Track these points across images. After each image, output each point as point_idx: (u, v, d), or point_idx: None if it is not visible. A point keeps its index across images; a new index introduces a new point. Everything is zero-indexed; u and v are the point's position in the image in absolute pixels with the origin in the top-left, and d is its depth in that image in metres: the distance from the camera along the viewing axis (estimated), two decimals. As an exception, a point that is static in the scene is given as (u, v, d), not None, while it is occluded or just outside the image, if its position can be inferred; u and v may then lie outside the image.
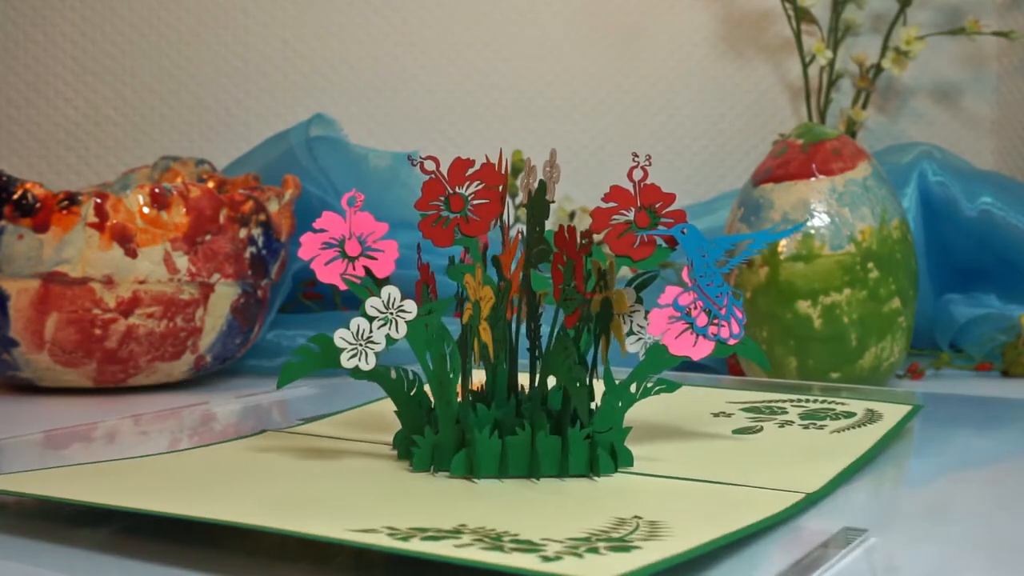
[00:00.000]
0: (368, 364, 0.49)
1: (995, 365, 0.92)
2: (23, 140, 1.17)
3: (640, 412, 0.53)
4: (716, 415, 0.62)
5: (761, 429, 0.58)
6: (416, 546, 0.36)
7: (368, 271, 0.51)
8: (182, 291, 0.79)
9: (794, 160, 0.81)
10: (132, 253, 0.77)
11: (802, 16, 1.13)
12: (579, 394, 0.49)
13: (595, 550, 0.36)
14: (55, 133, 1.17)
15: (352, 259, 0.51)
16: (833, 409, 0.61)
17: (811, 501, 0.46)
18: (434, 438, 0.50)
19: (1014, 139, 1.19)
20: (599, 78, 1.20)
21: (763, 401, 0.65)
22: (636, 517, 0.42)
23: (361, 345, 0.49)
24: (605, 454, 0.50)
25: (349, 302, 1.00)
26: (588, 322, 0.52)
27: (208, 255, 0.80)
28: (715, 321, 0.51)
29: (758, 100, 1.21)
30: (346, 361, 0.49)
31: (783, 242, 0.79)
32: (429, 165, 0.51)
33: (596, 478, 0.49)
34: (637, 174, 0.52)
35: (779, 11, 1.17)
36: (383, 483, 0.48)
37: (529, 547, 0.37)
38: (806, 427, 0.58)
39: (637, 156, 0.52)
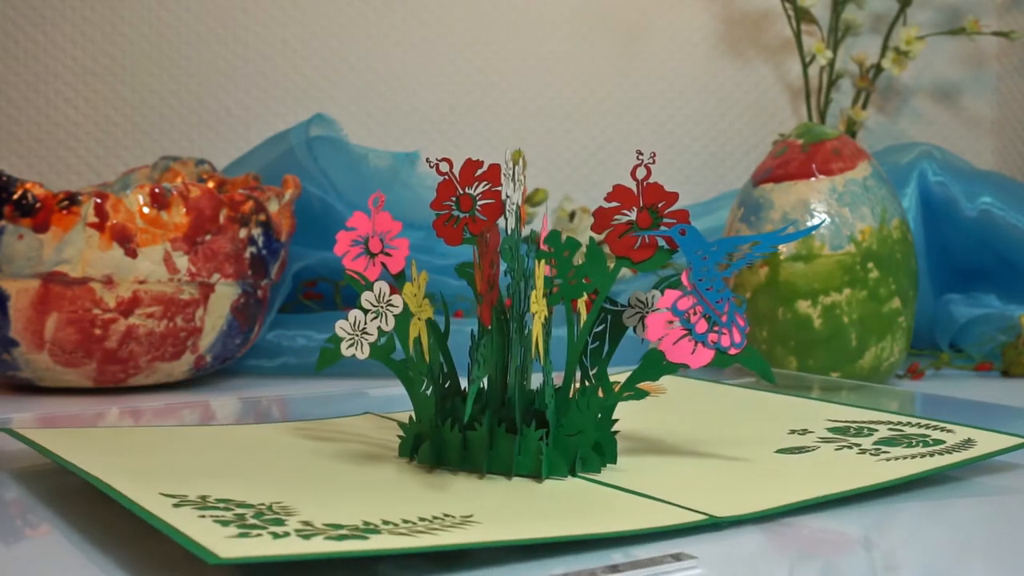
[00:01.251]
0: (363, 353, 0.52)
1: (995, 365, 0.92)
2: (23, 140, 1.17)
3: (706, 421, 0.56)
4: (793, 432, 0.57)
5: (811, 450, 0.53)
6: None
7: (384, 267, 0.53)
8: (182, 291, 0.79)
9: (794, 160, 0.81)
10: (132, 253, 0.77)
11: (802, 16, 1.13)
12: (524, 396, 0.50)
13: (376, 530, 0.39)
14: (55, 133, 1.17)
15: (373, 255, 0.53)
16: (926, 436, 0.55)
17: (709, 524, 0.43)
18: (417, 427, 0.52)
19: (1014, 139, 1.19)
20: (599, 78, 1.20)
21: (857, 421, 0.59)
22: (465, 517, 0.42)
23: (357, 335, 0.52)
24: (559, 457, 0.49)
25: (349, 301, 1.00)
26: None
27: (208, 255, 0.80)
28: (715, 328, 0.49)
29: (758, 100, 1.21)
30: (345, 350, 0.52)
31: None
32: (443, 167, 0.52)
33: (541, 481, 0.49)
34: (640, 172, 0.51)
35: (779, 11, 1.17)
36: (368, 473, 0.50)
37: (314, 531, 0.39)
38: (866, 451, 0.52)
39: (641, 154, 0.51)
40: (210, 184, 0.90)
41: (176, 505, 0.41)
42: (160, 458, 0.52)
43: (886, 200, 0.81)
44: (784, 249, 0.79)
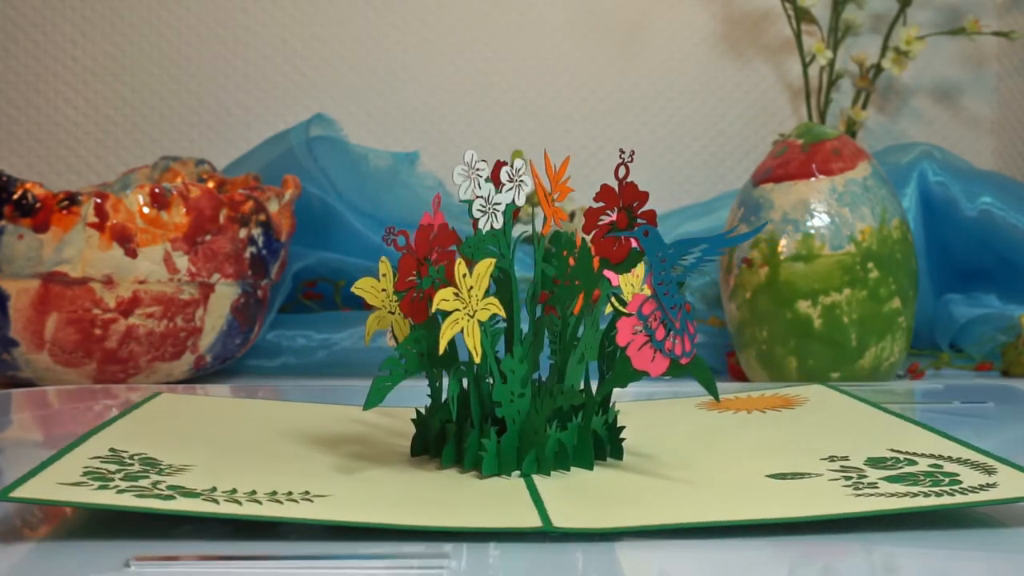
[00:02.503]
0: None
1: (995, 365, 0.92)
2: (23, 140, 1.17)
3: (758, 439, 0.56)
4: (826, 458, 0.52)
5: (805, 477, 0.49)
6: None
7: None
8: (182, 291, 0.79)
9: (794, 160, 0.81)
10: (132, 253, 0.77)
11: (802, 16, 1.13)
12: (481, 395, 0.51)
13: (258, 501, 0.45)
14: (55, 133, 1.17)
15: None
16: (956, 475, 0.48)
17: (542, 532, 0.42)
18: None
19: (1014, 139, 1.19)
20: (599, 78, 1.20)
21: (906, 452, 0.53)
22: (319, 495, 0.46)
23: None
24: (509, 455, 0.50)
25: (349, 301, 1.00)
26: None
27: (208, 255, 0.80)
28: (671, 335, 0.47)
29: (758, 100, 1.21)
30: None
31: (783, 242, 0.79)
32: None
33: (483, 477, 0.50)
34: (621, 171, 0.51)
35: (779, 11, 1.17)
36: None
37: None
38: (857, 484, 0.47)
39: (623, 152, 0.50)
40: (210, 184, 0.90)
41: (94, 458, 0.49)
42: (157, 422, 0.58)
43: (886, 200, 0.81)
44: (784, 249, 0.79)
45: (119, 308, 0.78)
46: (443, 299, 0.47)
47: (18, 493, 0.43)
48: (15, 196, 0.76)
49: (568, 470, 0.51)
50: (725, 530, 0.42)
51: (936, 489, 0.46)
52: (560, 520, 0.43)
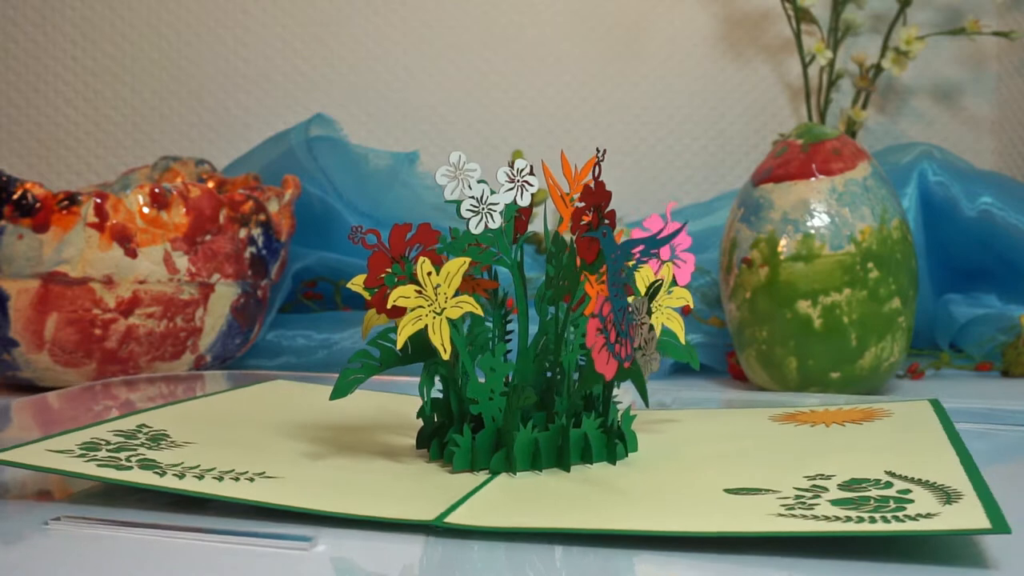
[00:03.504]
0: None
1: (995, 365, 0.92)
2: (23, 140, 1.17)
3: (769, 455, 0.53)
4: (809, 476, 0.49)
5: (760, 492, 0.46)
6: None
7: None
8: (182, 291, 0.79)
9: (794, 160, 0.81)
10: (132, 253, 0.77)
11: (802, 16, 1.13)
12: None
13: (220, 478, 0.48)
14: (55, 133, 1.17)
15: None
16: (908, 503, 0.44)
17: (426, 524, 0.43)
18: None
19: (1014, 139, 1.19)
20: (599, 78, 1.20)
21: (902, 476, 0.48)
22: (257, 474, 0.49)
23: (483, 208, 0.50)
24: (481, 452, 0.51)
25: (349, 301, 1.00)
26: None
27: (208, 255, 0.80)
28: (620, 338, 0.47)
29: (758, 100, 1.21)
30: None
31: (783, 242, 0.79)
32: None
33: (453, 472, 0.51)
34: (595, 170, 0.51)
35: (779, 11, 1.17)
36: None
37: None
38: (798, 507, 0.44)
39: (599, 151, 0.50)
40: (210, 184, 0.90)
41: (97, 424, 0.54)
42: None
43: (886, 200, 0.81)
44: (784, 249, 0.79)
45: (119, 308, 0.78)
46: (401, 296, 0.48)
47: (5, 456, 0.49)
48: (15, 196, 0.76)
49: (540, 471, 0.50)
50: (623, 539, 0.41)
51: (870, 515, 0.42)
52: (461, 517, 0.43)
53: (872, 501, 0.44)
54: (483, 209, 0.50)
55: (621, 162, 1.19)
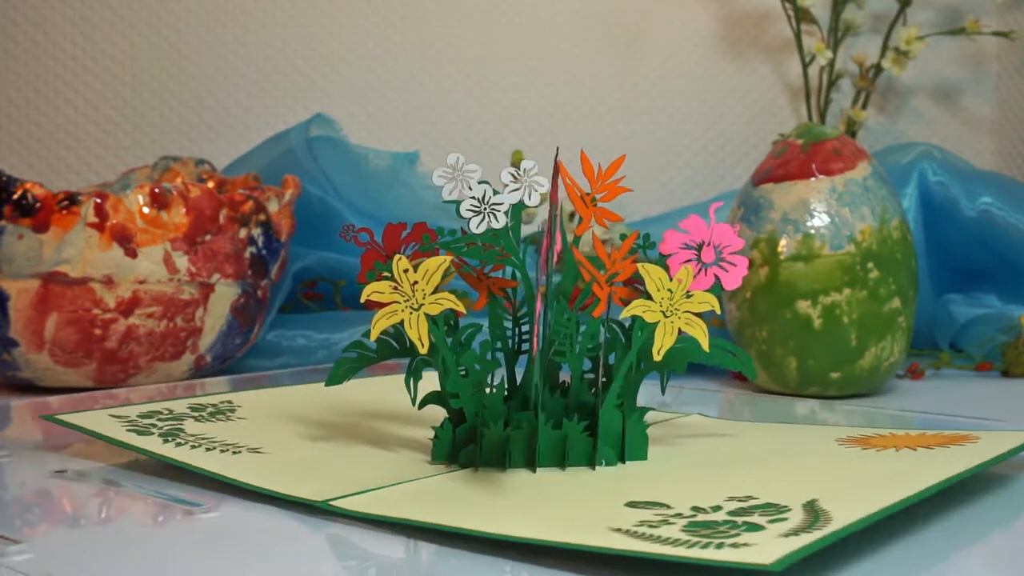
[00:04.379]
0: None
1: (995, 365, 0.92)
2: (23, 140, 1.17)
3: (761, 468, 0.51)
4: (733, 498, 0.46)
5: (652, 506, 0.44)
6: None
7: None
8: (182, 291, 0.79)
9: (794, 160, 0.81)
10: (132, 253, 0.77)
11: (802, 16, 1.13)
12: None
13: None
14: (55, 133, 1.17)
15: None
16: (745, 527, 0.41)
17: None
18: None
19: (1014, 139, 1.19)
20: (599, 78, 1.20)
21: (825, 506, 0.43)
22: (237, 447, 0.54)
23: (485, 209, 0.51)
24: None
25: (349, 301, 1.00)
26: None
27: (208, 255, 0.80)
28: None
29: (758, 100, 1.21)
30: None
31: (783, 242, 0.79)
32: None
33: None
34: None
35: (779, 11, 1.17)
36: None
37: None
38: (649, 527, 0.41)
39: (559, 150, 0.51)
40: (210, 184, 0.90)
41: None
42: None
43: (886, 200, 0.81)
44: (784, 249, 0.79)
45: (119, 308, 0.78)
46: (375, 291, 0.50)
47: (65, 417, 0.56)
48: (15, 196, 0.76)
49: (504, 469, 0.51)
50: (487, 543, 0.41)
51: (686, 538, 0.39)
52: (347, 502, 0.45)
53: (720, 525, 0.41)
54: (485, 209, 0.50)
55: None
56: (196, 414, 0.60)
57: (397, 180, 1.03)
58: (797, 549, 0.36)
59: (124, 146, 1.17)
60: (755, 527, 0.40)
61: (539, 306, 0.51)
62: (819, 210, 0.79)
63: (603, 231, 0.96)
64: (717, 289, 0.53)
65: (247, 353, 0.90)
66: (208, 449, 0.53)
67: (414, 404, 0.53)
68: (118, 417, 0.57)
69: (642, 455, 0.53)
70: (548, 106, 1.20)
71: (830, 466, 0.50)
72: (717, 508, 0.43)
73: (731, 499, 0.44)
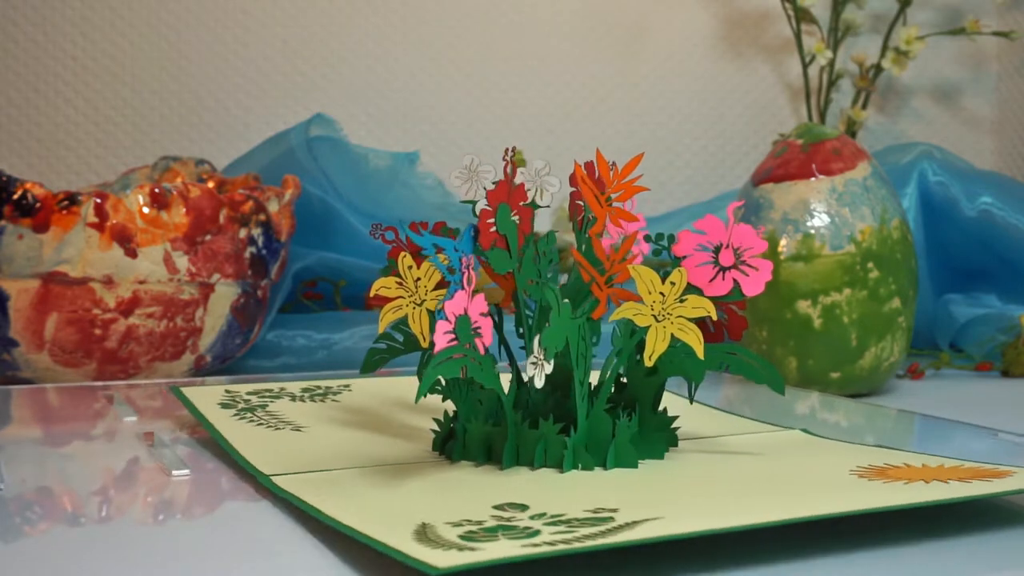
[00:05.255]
0: (541, 382, 0.48)
1: (995, 365, 0.92)
2: (23, 140, 1.17)
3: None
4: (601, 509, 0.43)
5: (556, 521, 0.41)
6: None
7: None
8: (182, 291, 0.79)
9: (794, 160, 0.81)
10: (132, 253, 0.77)
11: (802, 16, 1.13)
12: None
13: None
14: (55, 133, 1.17)
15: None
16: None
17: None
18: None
19: (1014, 139, 1.19)
20: (599, 78, 1.20)
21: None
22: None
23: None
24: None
25: (349, 301, 1.00)
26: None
27: (208, 255, 0.80)
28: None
29: (758, 100, 1.21)
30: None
31: (783, 242, 0.79)
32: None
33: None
34: (509, 169, 0.51)
35: (779, 11, 1.17)
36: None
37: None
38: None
39: (508, 151, 0.51)
40: (210, 184, 0.90)
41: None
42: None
43: (886, 200, 0.81)
44: (784, 249, 0.79)
45: (119, 308, 0.78)
46: (382, 286, 0.51)
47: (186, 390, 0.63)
48: (15, 196, 0.76)
49: (479, 463, 0.51)
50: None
51: (454, 539, 0.38)
52: (282, 480, 0.48)
53: (508, 531, 0.39)
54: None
55: (621, 162, 1.19)
56: (301, 395, 0.65)
57: (397, 180, 1.03)
58: (468, 563, 0.35)
59: (124, 146, 1.17)
60: (530, 533, 0.39)
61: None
62: (819, 210, 0.79)
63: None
64: (738, 294, 0.50)
65: (247, 353, 0.90)
66: (258, 424, 0.58)
67: (420, 396, 0.53)
68: (229, 392, 0.64)
69: (631, 463, 0.50)
70: (548, 106, 1.20)
71: (820, 500, 0.44)
72: (559, 518, 0.41)
73: (598, 510, 0.42)
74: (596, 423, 0.51)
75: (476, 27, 1.19)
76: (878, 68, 1.15)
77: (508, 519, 0.41)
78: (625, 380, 0.53)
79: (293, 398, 0.64)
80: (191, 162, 0.97)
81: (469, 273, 0.47)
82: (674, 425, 0.54)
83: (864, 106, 1.16)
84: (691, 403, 0.54)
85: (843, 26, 1.15)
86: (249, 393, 0.64)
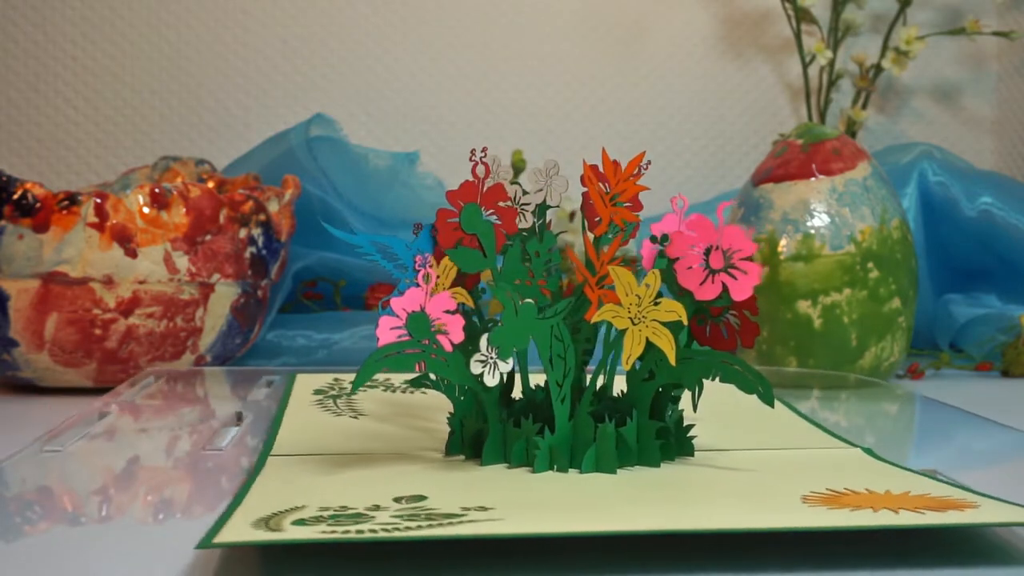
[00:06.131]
0: (494, 380, 0.48)
1: (995, 365, 0.92)
2: (23, 140, 1.17)
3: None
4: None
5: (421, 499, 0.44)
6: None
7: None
8: (182, 291, 0.79)
9: (794, 160, 0.81)
10: (132, 253, 0.77)
11: (802, 16, 1.13)
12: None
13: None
14: (55, 133, 1.17)
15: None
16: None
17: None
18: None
19: (1014, 139, 1.19)
20: (599, 78, 1.20)
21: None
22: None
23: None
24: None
25: (349, 301, 1.00)
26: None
27: (208, 255, 0.80)
28: None
29: (758, 100, 1.21)
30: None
31: (783, 242, 0.79)
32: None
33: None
34: (480, 170, 0.50)
35: (779, 11, 1.17)
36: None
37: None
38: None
39: (475, 152, 0.50)
40: (210, 184, 0.90)
41: None
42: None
43: (886, 200, 0.81)
44: (784, 249, 0.79)
45: (119, 308, 0.78)
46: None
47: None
48: (15, 196, 0.76)
49: (467, 458, 0.52)
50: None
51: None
52: (275, 464, 0.49)
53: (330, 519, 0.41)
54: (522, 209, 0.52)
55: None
56: (401, 386, 0.67)
57: (397, 180, 1.03)
58: (232, 541, 0.38)
59: (124, 146, 1.17)
60: (363, 520, 0.40)
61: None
62: (819, 210, 0.79)
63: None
64: (726, 299, 0.49)
65: (247, 353, 0.90)
66: (326, 410, 0.62)
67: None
68: (337, 379, 0.68)
69: (609, 468, 0.49)
70: (548, 106, 1.20)
71: (723, 517, 0.42)
72: (420, 509, 0.42)
73: (470, 508, 0.42)
74: (580, 427, 0.50)
75: (476, 27, 1.19)
76: (878, 68, 1.15)
77: (373, 507, 0.42)
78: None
79: (386, 389, 0.67)
80: (191, 162, 0.97)
81: (427, 271, 0.47)
82: (691, 434, 0.52)
83: (864, 106, 1.16)
84: (695, 411, 0.52)
85: (843, 26, 1.15)
86: (350, 381, 0.65)
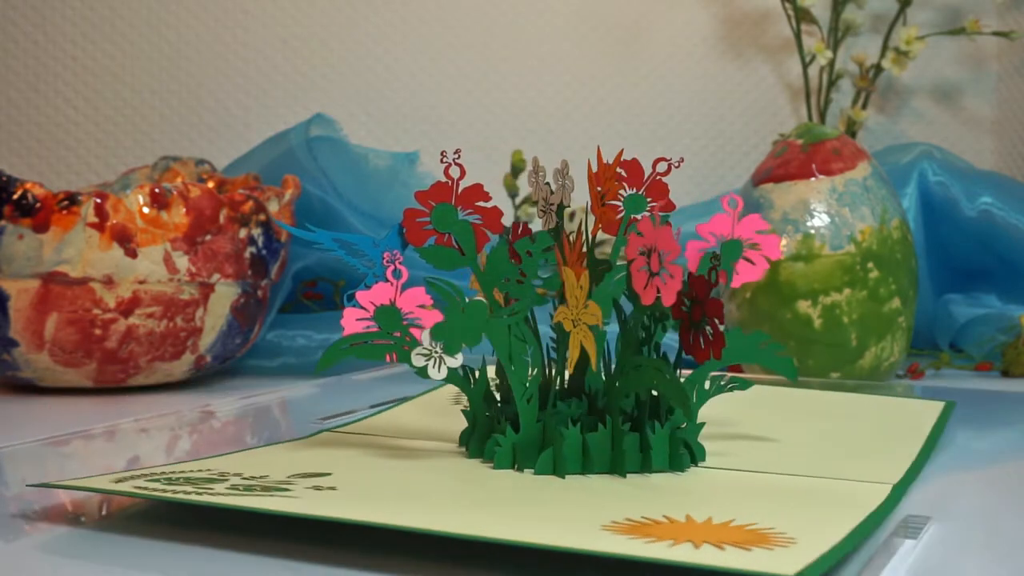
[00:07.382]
0: (440, 374, 0.49)
1: (995, 365, 0.92)
2: (23, 140, 1.17)
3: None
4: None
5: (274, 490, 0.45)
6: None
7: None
8: (182, 291, 0.79)
9: (794, 160, 0.81)
10: (132, 253, 0.77)
11: (802, 16, 1.13)
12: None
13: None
14: (55, 133, 1.17)
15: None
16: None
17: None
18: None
19: (1014, 139, 1.19)
20: (599, 78, 1.20)
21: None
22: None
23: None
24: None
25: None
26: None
27: (208, 255, 0.80)
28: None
29: (758, 100, 1.21)
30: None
31: (783, 242, 0.79)
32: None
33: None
34: (454, 171, 0.50)
35: (779, 11, 1.17)
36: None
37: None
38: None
39: (445, 154, 0.50)
40: (210, 184, 0.90)
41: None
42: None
43: (886, 200, 0.81)
44: (784, 249, 0.79)
45: (119, 308, 0.78)
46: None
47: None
48: (15, 196, 0.76)
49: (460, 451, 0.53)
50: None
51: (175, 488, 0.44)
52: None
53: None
54: (549, 209, 0.52)
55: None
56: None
57: (397, 180, 1.03)
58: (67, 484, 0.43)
59: (124, 146, 1.17)
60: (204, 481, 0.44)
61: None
62: (819, 210, 0.79)
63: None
64: (659, 306, 0.48)
65: (247, 353, 0.90)
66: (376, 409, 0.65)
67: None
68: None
69: (573, 470, 0.48)
70: (548, 106, 1.20)
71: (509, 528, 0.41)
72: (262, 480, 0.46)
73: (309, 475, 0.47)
74: (549, 427, 0.49)
75: (476, 27, 1.19)
76: (878, 68, 1.15)
77: (254, 477, 0.46)
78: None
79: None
80: (191, 162, 0.97)
81: (396, 267, 0.48)
82: (681, 451, 0.50)
83: (864, 106, 1.16)
84: (690, 420, 0.51)
85: (843, 26, 1.15)
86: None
